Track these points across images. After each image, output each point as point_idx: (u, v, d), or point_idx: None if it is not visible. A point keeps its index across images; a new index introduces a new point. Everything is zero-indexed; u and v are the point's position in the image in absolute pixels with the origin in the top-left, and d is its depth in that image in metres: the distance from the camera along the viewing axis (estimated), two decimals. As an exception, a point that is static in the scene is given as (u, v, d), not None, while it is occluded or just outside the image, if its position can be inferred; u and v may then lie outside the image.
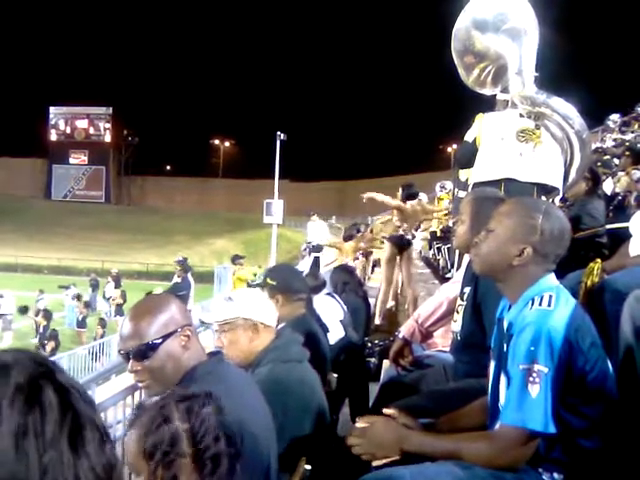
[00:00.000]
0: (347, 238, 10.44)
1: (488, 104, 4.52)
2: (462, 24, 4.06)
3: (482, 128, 4.06)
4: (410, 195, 7.14)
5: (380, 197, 7.17)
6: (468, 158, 4.17)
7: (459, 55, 4.13)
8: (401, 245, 6.99)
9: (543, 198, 3.98)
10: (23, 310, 17.10)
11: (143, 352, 1.61)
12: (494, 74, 4.12)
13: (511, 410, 1.56)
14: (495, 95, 4.28)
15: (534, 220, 1.72)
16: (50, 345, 15.22)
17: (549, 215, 1.73)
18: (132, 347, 1.62)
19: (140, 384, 1.68)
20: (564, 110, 3.96)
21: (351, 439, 1.72)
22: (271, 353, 2.17)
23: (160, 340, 1.61)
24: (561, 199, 6.80)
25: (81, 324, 17.50)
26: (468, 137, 4.12)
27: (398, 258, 7.09)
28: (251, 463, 1.59)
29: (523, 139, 3.93)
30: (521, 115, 4.02)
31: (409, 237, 7.08)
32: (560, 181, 4.07)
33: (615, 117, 13.23)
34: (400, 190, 7.29)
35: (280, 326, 2.41)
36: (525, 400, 1.53)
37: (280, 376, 2.01)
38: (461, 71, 4.19)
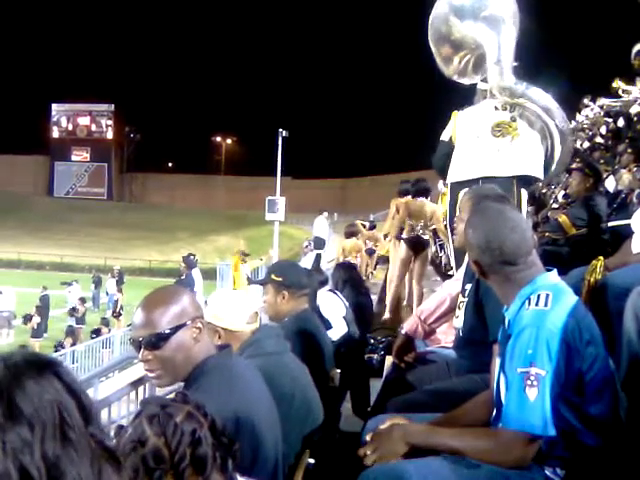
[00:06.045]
0: (349, 235, 10.43)
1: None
2: (440, 12, 4.01)
3: (456, 126, 4.02)
4: (420, 191, 6.71)
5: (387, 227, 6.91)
6: (443, 161, 4.12)
7: (436, 45, 4.08)
8: (417, 247, 6.61)
9: (523, 190, 3.96)
10: (27, 319, 17.26)
11: (155, 341, 1.61)
12: (474, 63, 4.08)
13: (511, 414, 1.57)
14: (476, 85, 4.24)
15: (467, 234, 1.74)
16: (68, 340, 15.67)
17: (474, 227, 1.73)
18: (144, 336, 1.62)
19: (150, 374, 1.68)
20: (544, 101, 3.91)
21: (365, 450, 1.73)
22: (248, 348, 2.21)
23: (172, 330, 1.62)
24: (564, 196, 6.79)
25: (79, 321, 17.57)
26: (444, 136, 4.09)
27: (413, 258, 6.73)
28: (259, 453, 1.61)
29: (499, 134, 3.88)
30: (496, 108, 3.97)
31: (426, 237, 6.70)
32: (541, 171, 4.03)
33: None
34: (410, 186, 6.87)
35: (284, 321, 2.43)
36: (524, 404, 1.54)
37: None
38: (439, 61, 4.16)
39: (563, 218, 4.67)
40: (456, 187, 3.96)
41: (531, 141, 3.94)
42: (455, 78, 4.20)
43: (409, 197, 6.81)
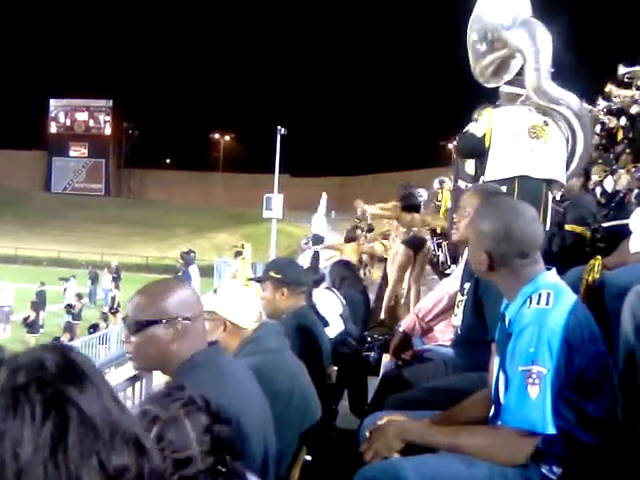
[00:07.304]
0: (348, 240, 10.30)
1: (490, 99, 4.50)
2: (480, 15, 4.00)
3: (492, 124, 4.01)
4: (409, 206, 6.52)
5: (372, 209, 6.90)
6: (471, 149, 4.14)
7: (473, 45, 4.06)
8: (416, 246, 6.48)
9: (549, 193, 4.01)
10: (27, 323, 17.30)
11: (132, 327, 1.66)
12: (500, 66, 4.10)
13: (511, 411, 1.58)
14: (497, 88, 4.25)
15: (479, 225, 1.74)
16: (65, 336, 15.75)
17: (489, 218, 1.73)
18: (127, 317, 1.67)
19: (127, 354, 1.74)
20: (576, 106, 3.96)
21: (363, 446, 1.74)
22: (248, 345, 2.22)
23: (145, 323, 1.64)
24: (560, 196, 6.81)
25: (76, 317, 17.59)
26: (474, 129, 4.07)
27: (413, 259, 6.55)
28: (245, 450, 1.60)
29: (534, 135, 3.89)
30: (530, 110, 4.00)
31: (422, 235, 6.60)
32: (564, 175, 4.07)
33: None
34: (398, 196, 6.68)
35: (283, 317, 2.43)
36: (525, 401, 1.54)
37: (255, 367, 2.03)
38: (471, 58, 4.14)
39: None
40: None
41: (559, 146, 3.98)
42: (481, 80, 4.21)
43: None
